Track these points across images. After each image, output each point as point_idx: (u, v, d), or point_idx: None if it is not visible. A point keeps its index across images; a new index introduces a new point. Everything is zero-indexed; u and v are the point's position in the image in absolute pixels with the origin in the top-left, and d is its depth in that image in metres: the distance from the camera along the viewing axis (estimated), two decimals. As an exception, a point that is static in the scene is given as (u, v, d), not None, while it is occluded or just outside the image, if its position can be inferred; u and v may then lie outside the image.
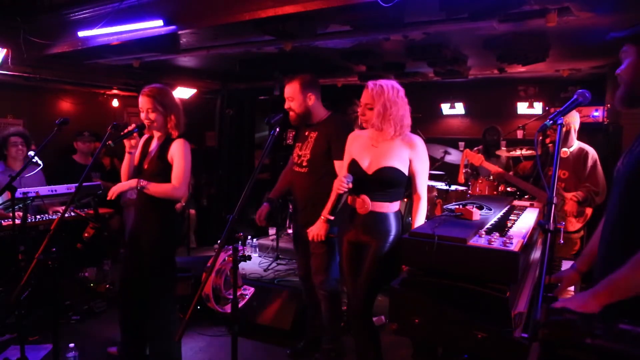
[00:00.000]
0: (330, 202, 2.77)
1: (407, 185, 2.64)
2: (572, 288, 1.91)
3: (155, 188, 2.73)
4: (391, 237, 2.57)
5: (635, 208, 1.45)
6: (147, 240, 2.81)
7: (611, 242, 1.55)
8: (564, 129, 3.46)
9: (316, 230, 2.85)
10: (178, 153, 2.76)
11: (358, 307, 2.59)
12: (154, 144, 2.91)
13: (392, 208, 2.60)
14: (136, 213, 2.94)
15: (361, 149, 2.65)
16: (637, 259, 1.36)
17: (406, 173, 2.57)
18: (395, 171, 2.54)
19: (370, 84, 2.56)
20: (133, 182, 2.72)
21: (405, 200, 4.20)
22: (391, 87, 2.54)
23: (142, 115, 2.81)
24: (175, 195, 2.79)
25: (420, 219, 2.61)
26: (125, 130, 2.76)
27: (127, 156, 2.86)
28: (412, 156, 2.57)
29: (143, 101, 2.79)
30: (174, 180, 2.76)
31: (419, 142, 2.60)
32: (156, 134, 2.90)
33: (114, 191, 2.69)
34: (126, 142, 2.81)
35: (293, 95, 2.99)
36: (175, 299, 2.99)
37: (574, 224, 3.55)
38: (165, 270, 2.87)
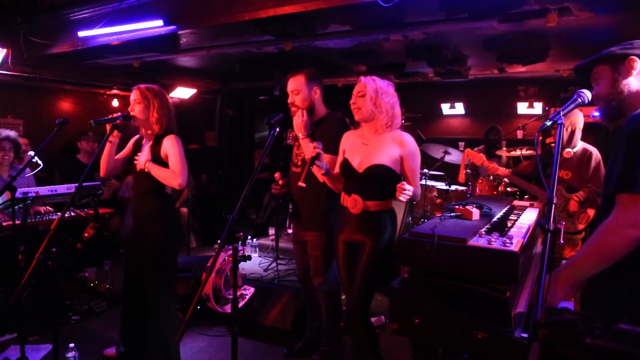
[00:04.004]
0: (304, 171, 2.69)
1: None
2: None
3: (159, 170, 2.81)
4: (386, 236, 2.56)
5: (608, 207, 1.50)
6: (151, 241, 2.84)
7: None
8: (569, 129, 3.45)
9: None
10: (171, 147, 2.84)
11: (356, 307, 2.58)
12: (144, 145, 2.97)
13: (384, 206, 2.58)
14: (135, 214, 2.97)
15: (352, 147, 2.65)
16: (590, 241, 1.49)
17: (397, 171, 2.54)
18: (386, 169, 2.51)
19: (362, 77, 2.63)
20: (147, 162, 2.80)
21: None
22: (382, 80, 2.62)
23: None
24: (176, 182, 2.82)
25: None
26: (110, 116, 2.82)
27: (107, 145, 2.89)
28: (402, 154, 2.54)
29: (133, 93, 2.90)
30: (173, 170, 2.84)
31: (409, 139, 2.58)
32: (146, 135, 2.97)
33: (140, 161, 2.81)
34: (109, 129, 2.85)
35: (299, 88, 2.88)
36: (175, 298, 3.00)
37: (576, 225, 3.53)
38: (168, 271, 2.91)
